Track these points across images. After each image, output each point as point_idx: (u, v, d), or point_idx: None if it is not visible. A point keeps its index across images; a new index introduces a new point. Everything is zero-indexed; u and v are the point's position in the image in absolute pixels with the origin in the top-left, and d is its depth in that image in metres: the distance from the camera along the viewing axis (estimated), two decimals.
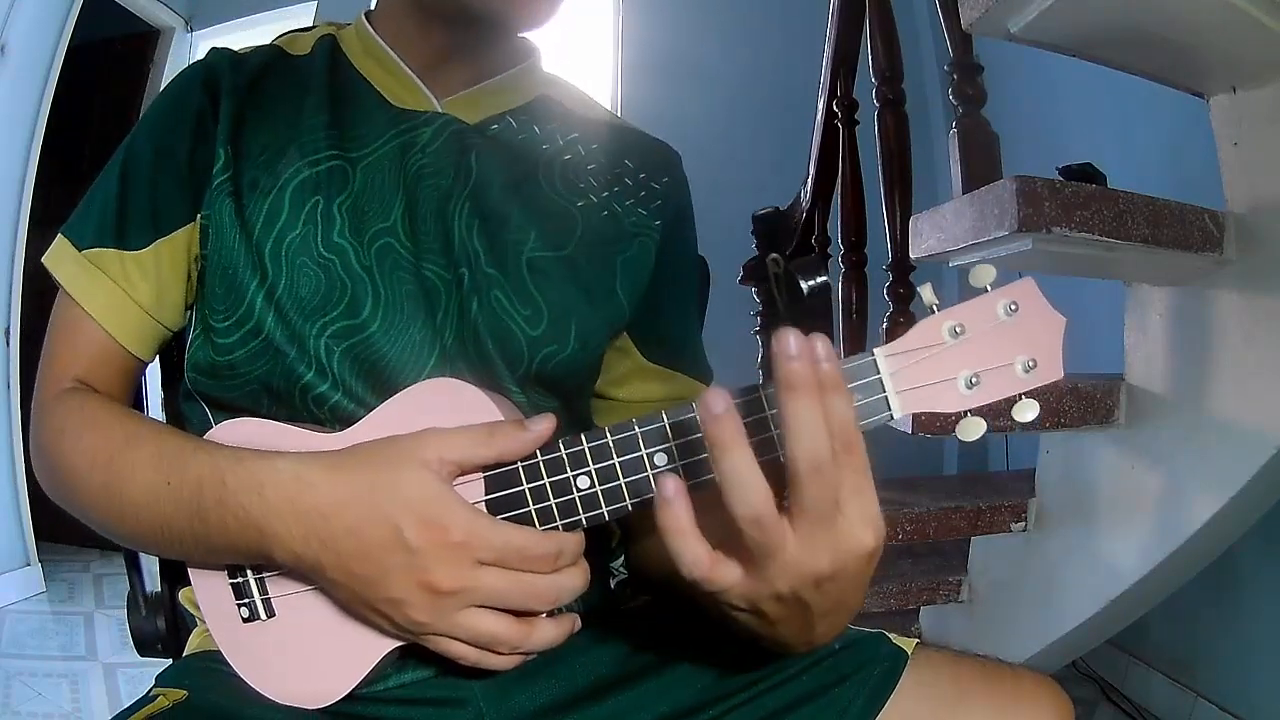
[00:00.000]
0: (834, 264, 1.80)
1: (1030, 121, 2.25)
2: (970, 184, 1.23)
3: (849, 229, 1.72)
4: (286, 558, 0.50)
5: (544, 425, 0.50)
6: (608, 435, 0.49)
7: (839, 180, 1.75)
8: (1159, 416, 1.17)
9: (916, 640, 0.60)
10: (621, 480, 0.49)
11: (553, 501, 0.50)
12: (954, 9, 1.21)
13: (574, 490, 0.50)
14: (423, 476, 0.48)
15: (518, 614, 0.50)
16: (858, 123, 1.74)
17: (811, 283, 0.44)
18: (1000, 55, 1.46)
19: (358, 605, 0.51)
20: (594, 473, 0.50)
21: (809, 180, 1.89)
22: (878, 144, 1.56)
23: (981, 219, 1.07)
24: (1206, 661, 1.72)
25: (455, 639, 0.50)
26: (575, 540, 0.51)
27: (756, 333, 1.99)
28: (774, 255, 0.51)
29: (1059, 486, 1.35)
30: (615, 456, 0.49)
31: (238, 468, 0.50)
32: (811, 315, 0.45)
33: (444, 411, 0.52)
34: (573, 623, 0.52)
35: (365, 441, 0.51)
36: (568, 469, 0.50)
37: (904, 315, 1.50)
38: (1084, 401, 1.19)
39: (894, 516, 1.30)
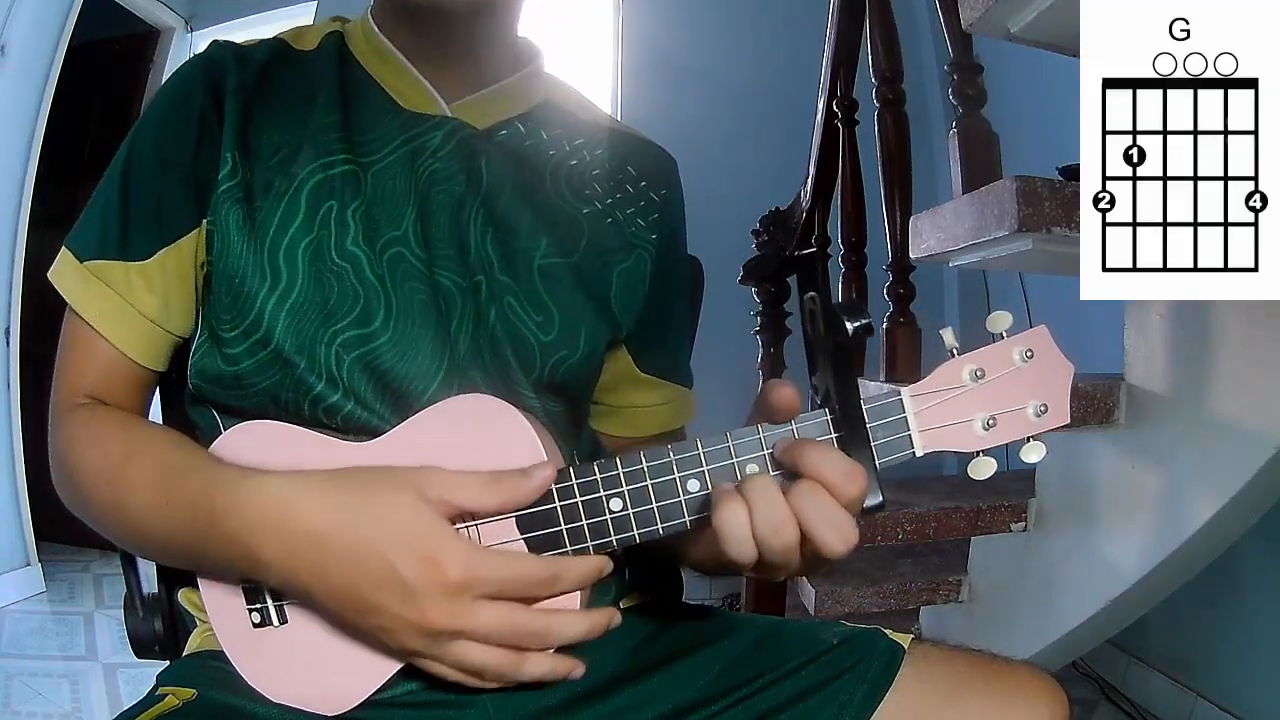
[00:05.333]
0: (834, 264, 1.80)
1: (1030, 121, 2.25)
2: (970, 184, 1.23)
3: (849, 229, 1.72)
4: (278, 582, 0.51)
5: (546, 473, 0.50)
6: (642, 460, 0.50)
7: (839, 180, 1.75)
8: (1159, 416, 1.17)
9: (913, 635, 0.61)
10: (654, 504, 0.50)
11: (584, 522, 0.51)
12: (954, 9, 1.20)
13: (606, 512, 0.51)
14: (420, 510, 0.48)
15: None
16: (858, 123, 1.74)
17: (857, 324, 0.46)
18: (1000, 55, 1.46)
19: (348, 628, 0.51)
20: (627, 495, 0.50)
21: (809, 180, 1.88)
22: (878, 144, 1.56)
23: (981, 219, 1.07)
24: (1206, 661, 1.72)
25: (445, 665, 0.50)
26: (577, 569, 0.50)
27: (756, 333, 1.99)
28: (811, 294, 0.53)
29: (1059, 486, 1.35)
30: (649, 480, 0.50)
31: (227, 490, 0.50)
32: (851, 356, 0.47)
33: (478, 430, 0.52)
34: (571, 666, 0.52)
35: (362, 466, 0.51)
36: (601, 490, 0.51)
37: (904, 315, 1.50)
38: (1084, 401, 1.19)
39: (894, 516, 1.30)
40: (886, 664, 0.58)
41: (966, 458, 0.50)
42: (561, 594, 0.51)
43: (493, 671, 0.50)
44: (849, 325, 0.46)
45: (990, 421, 0.49)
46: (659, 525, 0.50)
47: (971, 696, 0.57)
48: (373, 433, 0.57)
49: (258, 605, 0.55)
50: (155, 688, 0.58)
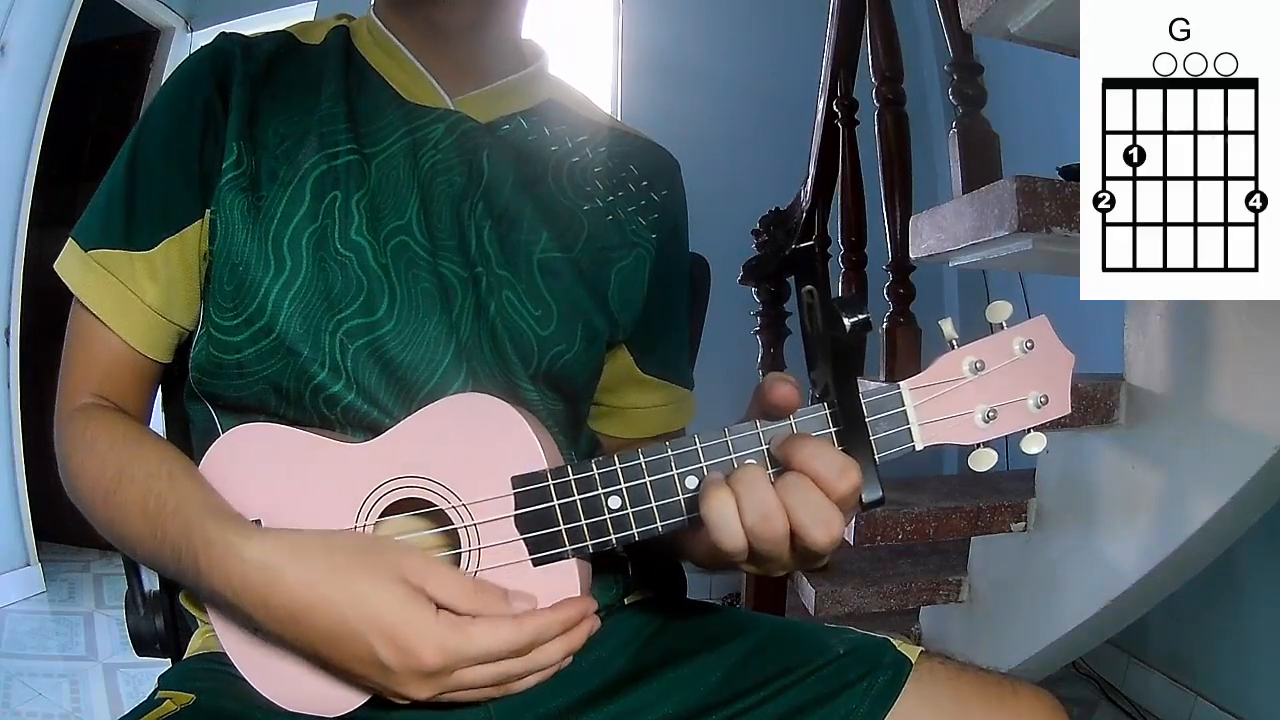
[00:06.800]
0: (834, 264, 1.80)
1: (1030, 121, 2.25)
2: (970, 184, 1.23)
3: (849, 229, 1.72)
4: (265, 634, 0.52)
5: (534, 618, 0.50)
6: (640, 457, 0.50)
7: (839, 180, 1.75)
8: (1159, 416, 1.17)
9: (921, 649, 0.61)
10: (653, 502, 0.50)
11: (583, 521, 0.51)
12: (954, 9, 1.21)
13: (605, 511, 0.50)
14: (399, 594, 0.48)
15: None
16: (858, 123, 1.73)
17: (855, 319, 0.45)
18: (1000, 55, 1.46)
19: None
20: (625, 493, 0.50)
21: (809, 180, 1.88)
22: (878, 144, 1.56)
23: (981, 219, 1.07)
24: (1206, 661, 1.72)
25: None
26: (559, 620, 0.51)
27: (756, 333, 1.99)
28: (809, 288, 0.53)
29: (1059, 486, 1.35)
30: (647, 478, 0.50)
31: (208, 552, 0.50)
32: (850, 351, 0.47)
33: (475, 429, 0.52)
34: (560, 666, 0.53)
35: (350, 535, 0.51)
36: (599, 488, 0.50)
37: (904, 315, 1.50)
38: (1084, 401, 1.19)
39: (894, 516, 1.29)
40: (891, 679, 0.58)
41: (967, 454, 0.49)
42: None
43: (483, 698, 0.51)
44: (846, 321, 0.46)
45: (990, 413, 0.48)
46: (658, 523, 0.50)
47: (974, 718, 0.57)
48: (371, 426, 0.57)
49: None
50: (155, 691, 0.58)
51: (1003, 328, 0.49)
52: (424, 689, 0.48)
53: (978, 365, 0.48)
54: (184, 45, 3.18)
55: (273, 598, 0.48)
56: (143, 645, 0.74)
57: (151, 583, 0.74)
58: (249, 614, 0.50)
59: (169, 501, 0.52)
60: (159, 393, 0.69)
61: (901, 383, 0.49)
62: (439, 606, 0.49)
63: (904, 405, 0.48)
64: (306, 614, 0.48)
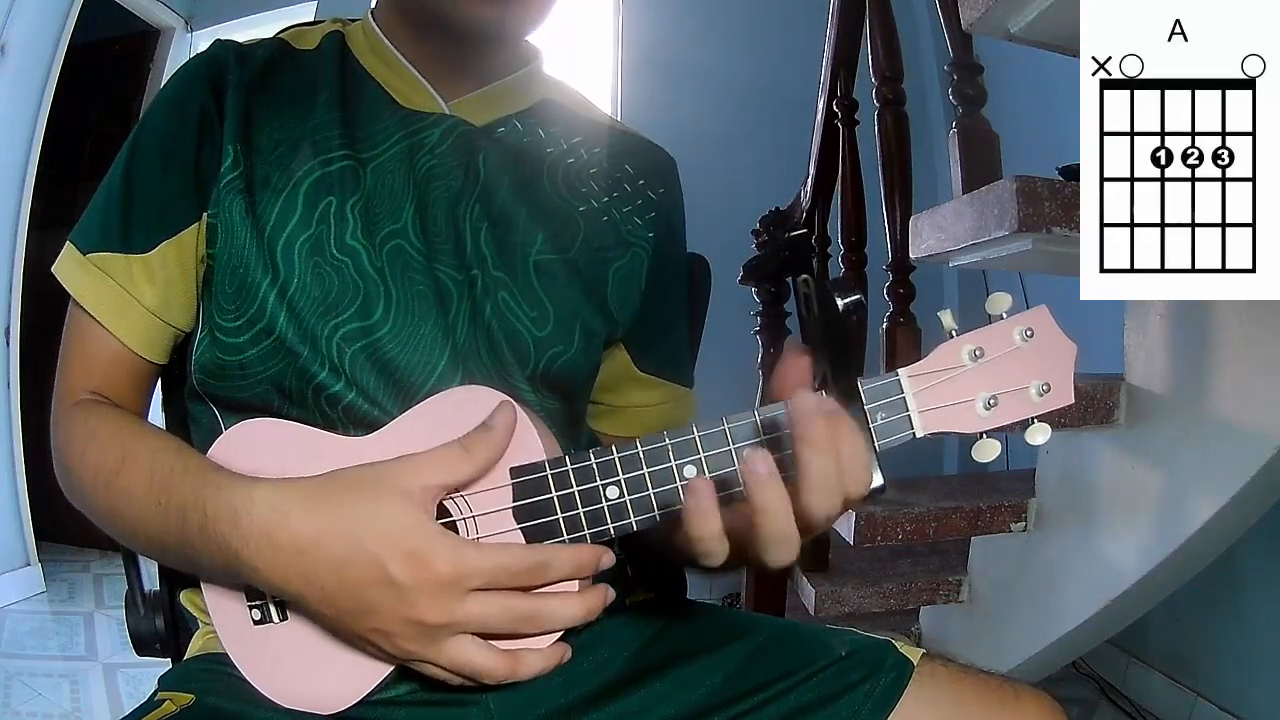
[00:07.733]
0: (834, 264, 1.80)
1: (1030, 121, 2.25)
2: (970, 184, 1.23)
3: (849, 229, 1.71)
4: (268, 588, 0.51)
5: (504, 416, 0.51)
6: (638, 446, 0.50)
7: (839, 180, 1.75)
8: (1159, 416, 1.17)
9: (922, 651, 0.61)
10: (650, 491, 0.50)
11: (581, 511, 0.51)
12: (954, 9, 1.21)
13: (603, 500, 0.50)
14: (404, 507, 0.48)
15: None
16: (858, 123, 1.73)
17: (847, 300, 0.46)
18: (1000, 55, 1.46)
19: (344, 633, 0.51)
20: (623, 482, 0.50)
21: (809, 180, 1.88)
22: (878, 144, 1.56)
23: (981, 219, 1.07)
24: (1206, 661, 1.72)
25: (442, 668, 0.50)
26: (568, 556, 0.50)
27: (756, 333, 1.99)
28: (804, 276, 0.53)
29: (1059, 486, 1.35)
30: (645, 467, 0.50)
31: (217, 496, 0.50)
32: (845, 333, 0.47)
33: (473, 423, 0.52)
34: (561, 654, 0.52)
35: (346, 469, 0.51)
36: (597, 478, 0.50)
37: (904, 315, 1.50)
38: (1084, 401, 1.19)
39: (894, 516, 1.30)
40: (894, 682, 0.58)
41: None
42: (554, 582, 0.50)
43: (488, 673, 0.50)
44: (839, 301, 0.45)
45: (991, 401, 0.48)
46: (656, 512, 0.50)
47: None
48: (373, 425, 0.57)
49: (258, 603, 0.55)
50: (155, 692, 0.58)
51: (1003, 318, 0.48)
52: (436, 606, 0.47)
53: (977, 353, 0.48)
54: (184, 45, 3.18)
55: (281, 532, 0.48)
56: (143, 645, 0.74)
57: (151, 583, 0.74)
58: (253, 562, 0.49)
59: (177, 467, 0.53)
60: (159, 392, 0.69)
61: (900, 370, 0.49)
62: (450, 491, 0.50)
63: (903, 392, 0.48)
64: (313, 544, 0.48)
